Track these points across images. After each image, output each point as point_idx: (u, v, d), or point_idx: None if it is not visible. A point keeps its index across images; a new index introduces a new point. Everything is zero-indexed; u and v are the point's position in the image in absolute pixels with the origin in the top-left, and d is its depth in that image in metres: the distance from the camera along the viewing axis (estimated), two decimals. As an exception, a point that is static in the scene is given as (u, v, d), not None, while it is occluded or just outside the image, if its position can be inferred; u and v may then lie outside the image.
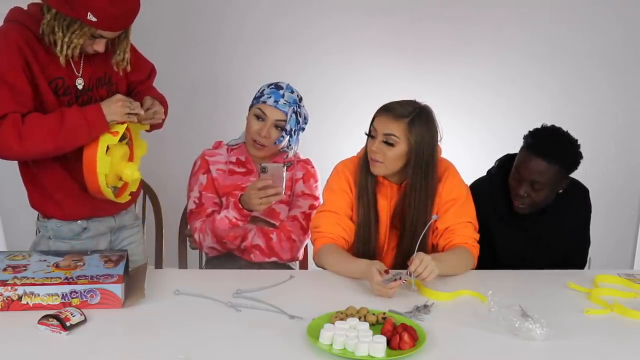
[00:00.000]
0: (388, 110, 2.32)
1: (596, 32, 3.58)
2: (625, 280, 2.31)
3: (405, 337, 1.80)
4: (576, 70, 3.62)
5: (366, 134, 2.37)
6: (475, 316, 2.02)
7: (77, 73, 2.22)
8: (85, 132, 2.13)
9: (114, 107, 2.16)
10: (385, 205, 2.41)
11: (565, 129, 2.55)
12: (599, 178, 3.67)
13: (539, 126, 2.48)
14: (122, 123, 2.19)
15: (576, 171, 2.72)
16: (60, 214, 2.32)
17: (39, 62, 2.12)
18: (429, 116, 2.33)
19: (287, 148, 2.69)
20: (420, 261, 2.11)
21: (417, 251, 2.15)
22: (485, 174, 2.66)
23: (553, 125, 2.48)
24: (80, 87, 2.22)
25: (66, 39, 2.08)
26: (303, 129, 2.71)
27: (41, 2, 2.11)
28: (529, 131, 2.48)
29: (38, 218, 2.41)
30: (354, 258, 2.31)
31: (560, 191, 2.51)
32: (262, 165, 2.39)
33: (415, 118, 2.29)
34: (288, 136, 2.62)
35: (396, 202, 2.40)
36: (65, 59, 2.13)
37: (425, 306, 2.07)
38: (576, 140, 2.45)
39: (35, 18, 2.12)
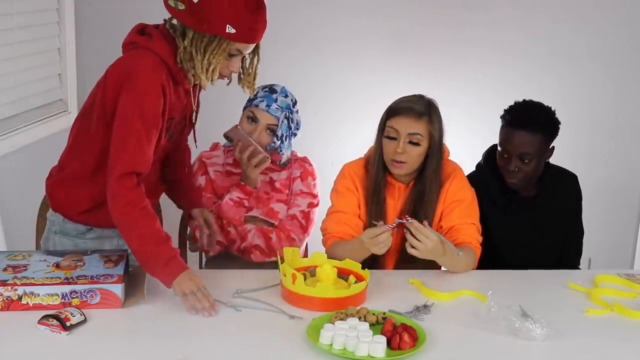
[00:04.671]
0: (407, 110, 2.32)
1: (596, 33, 3.57)
2: (625, 280, 2.31)
3: (405, 337, 1.80)
4: (576, 71, 3.61)
5: (384, 137, 2.34)
6: (475, 316, 2.02)
7: (194, 107, 2.22)
8: (156, 271, 2.03)
9: (187, 286, 1.99)
10: (392, 204, 2.41)
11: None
12: (599, 178, 3.66)
13: (513, 103, 2.59)
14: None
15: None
16: (64, 211, 2.29)
17: (167, 102, 2.09)
18: (438, 109, 2.37)
19: (279, 153, 2.68)
20: (424, 234, 2.13)
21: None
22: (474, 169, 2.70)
23: (525, 99, 2.60)
24: (193, 120, 2.23)
25: (205, 61, 2.05)
26: (295, 135, 2.70)
27: (171, 31, 2.09)
28: (505, 110, 2.57)
29: (48, 208, 2.39)
30: (351, 240, 2.33)
31: (548, 161, 2.61)
32: (225, 135, 2.62)
33: (432, 112, 2.33)
34: (279, 142, 2.62)
35: (404, 201, 2.41)
36: (205, 84, 2.11)
37: (425, 306, 2.07)
38: (550, 108, 2.57)
39: (169, 49, 2.08)
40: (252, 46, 2.13)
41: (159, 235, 2.04)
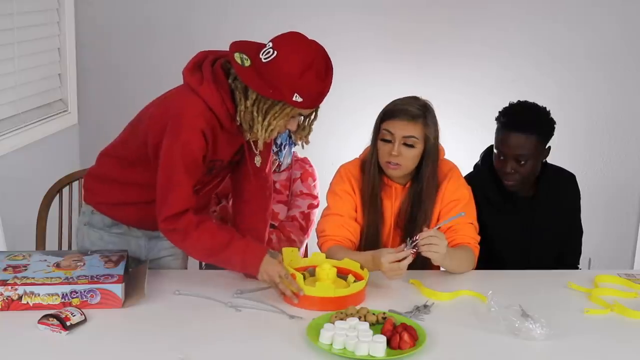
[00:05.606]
0: (402, 113, 2.30)
1: (595, 32, 3.57)
2: (625, 280, 2.31)
3: (405, 336, 1.80)
4: (574, 70, 3.61)
5: (380, 140, 2.34)
6: (475, 316, 2.02)
7: (255, 151, 2.16)
8: (238, 269, 2.15)
9: (272, 270, 2.05)
10: (389, 206, 2.41)
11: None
12: (598, 178, 3.67)
13: (507, 104, 2.59)
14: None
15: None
16: (93, 200, 2.31)
17: (211, 147, 2.08)
18: (433, 110, 2.35)
19: (277, 159, 2.68)
20: (429, 236, 2.12)
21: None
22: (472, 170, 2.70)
23: (519, 100, 2.59)
24: (258, 164, 2.21)
25: (265, 122, 2.01)
26: (295, 144, 2.70)
27: (232, 85, 2.04)
28: (499, 111, 2.57)
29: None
30: (359, 252, 2.32)
31: (545, 161, 2.61)
32: None
33: (427, 115, 2.31)
34: (277, 149, 2.62)
35: (400, 203, 2.40)
36: (263, 143, 2.08)
37: (425, 306, 2.07)
38: (545, 108, 2.57)
39: (217, 95, 2.04)
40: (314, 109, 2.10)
41: (221, 242, 2.08)
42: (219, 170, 2.23)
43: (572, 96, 3.60)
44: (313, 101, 2.02)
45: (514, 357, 1.85)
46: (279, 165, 2.70)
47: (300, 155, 2.79)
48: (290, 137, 2.64)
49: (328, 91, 2.05)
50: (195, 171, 2.08)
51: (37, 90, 3.34)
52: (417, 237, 2.13)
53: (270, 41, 2.00)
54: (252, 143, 2.14)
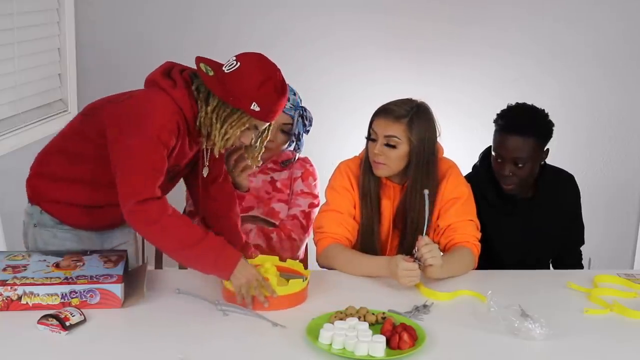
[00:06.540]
0: (386, 112, 2.32)
1: (596, 31, 3.57)
2: (625, 280, 2.31)
3: (405, 336, 1.80)
4: (576, 70, 3.61)
5: (366, 138, 2.36)
6: (475, 316, 2.02)
7: (206, 162, 2.23)
8: (209, 268, 2.06)
9: (249, 274, 2.02)
10: (388, 205, 2.41)
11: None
12: (598, 178, 3.67)
13: (505, 106, 2.56)
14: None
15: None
16: (41, 201, 2.30)
17: (176, 149, 2.11)
18: (427, 113, 2.34)
19: (296, 151, 2.70)
20: (427, 244, 2.14)
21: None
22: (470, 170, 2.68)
23: (518, 102, 2.57)
24: (205, 174, 2.25)
25: (222, 130, 2.07)
26: (308, 132, 2.71)
27: (196, 93, 2.09)
28: (497, 113, 2.55)
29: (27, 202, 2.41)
30: (369, 256, 2.31)
31: (544, 163, 2.58)
32: None
33: (414, 117, 2.30)
34: (296, 140, 2.63)
35: (399, 203, 2.40)
36: (218, 151, 2.13)
37: (425, 306, 2.07)
38: (543, 110, 2.54)
39: (189, 101, 2.09)
40: (267, 124, 2.16)
41: (196, 236, 2.02)
42: (175, 175, 2.24)
43: (573, 95, 3.60)
44: (268, 113, 2.08)
45: (514, 357, 1.85)
46: (295, 156, 2.71)
47: (301, 154, 2.79)
48: (304, 125, 2.65)
49: (282, 109, 2.14)
50: (165, 162, 2.07)
51: (37, 90, 3.35)
52: (415, 251, 2.15)
53: (233, 56, 2.10)
54: (206, 151, 2.20)
